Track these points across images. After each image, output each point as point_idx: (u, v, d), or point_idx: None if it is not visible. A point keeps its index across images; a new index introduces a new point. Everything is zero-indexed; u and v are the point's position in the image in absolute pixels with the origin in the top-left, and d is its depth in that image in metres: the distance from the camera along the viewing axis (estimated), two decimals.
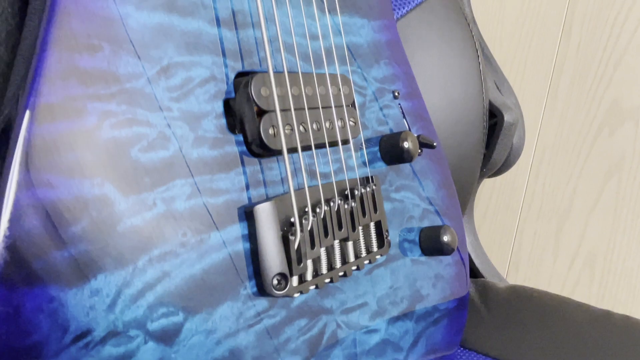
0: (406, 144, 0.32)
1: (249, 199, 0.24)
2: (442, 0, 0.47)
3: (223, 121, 0.24)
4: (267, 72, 0.25)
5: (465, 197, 0.51)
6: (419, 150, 0.36)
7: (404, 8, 0.45)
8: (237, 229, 0.23)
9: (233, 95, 0.24)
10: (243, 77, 0.25)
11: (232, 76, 0.24)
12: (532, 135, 0.93)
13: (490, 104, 0.50)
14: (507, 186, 0.99)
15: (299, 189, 0.26)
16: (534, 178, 0.95)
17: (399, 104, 0.36)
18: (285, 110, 0.25)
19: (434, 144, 0.36)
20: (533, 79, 0.92)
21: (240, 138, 0.24)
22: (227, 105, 0.24)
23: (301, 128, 0.26)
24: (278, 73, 0.26)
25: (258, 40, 0.26)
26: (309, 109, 0.27)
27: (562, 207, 0.92)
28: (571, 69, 0.87)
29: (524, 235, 0.98)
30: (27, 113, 0.17)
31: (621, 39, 0.81)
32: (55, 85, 0.18)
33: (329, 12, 0.30)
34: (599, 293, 0.91)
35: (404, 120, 0.36)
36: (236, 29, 0.25)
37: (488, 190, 1.01)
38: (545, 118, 0.92)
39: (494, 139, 0.50)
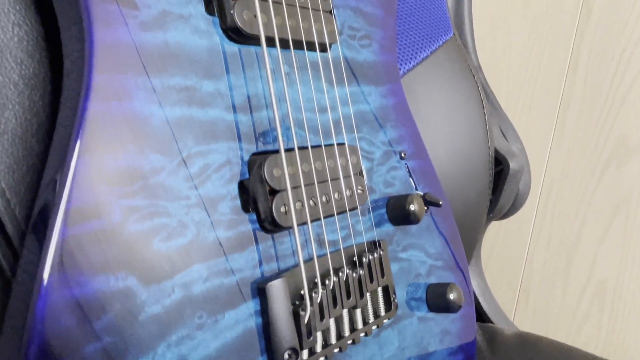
0: (412, 207, 0.34)
1: (262, 273, 0.25)
2: (448, 53, 0.49)
3: (237, 202, 0.25)
4: (279, 152, 0.26)
5: (472, 242, 0.52)
6: (425, 208, 0.37)
7: (410, 62, 0.47)
8: (250, 306, 0.24)
9: (247, 176, 0.26)
10: (257, 157, 0.26)
11: (246, 158, 0.26)
12: (540, 167, 0.94)
13: (496, 151, 0.51)
14: (515, 216, 0.99)
15: (309, 260, 0.27)
16: (542, 209, 0.95)
17: (406, 164, 0.37)
18: (296, 187, 0.27)
19: (440, 202, 0.37)
20: (540, 112, 0.93)
21: (254, 217, 0.26)
22: (241, 185, 0.26)
23: (311, 202, 0.28)
24: (289, 151, 0.27)
25: (271, 120, 0.27)
26: (318, 183, 0.28)
27: (571, 239, 0.92)
28: (578, 103, 0.88)
29: (533, 264, 0.98)
30: (59, 217, 0.19)
31: (627, 75, 0.82)
32: (85, 189, 0.19)
33: (337, 84, 0.32)
34: (609, 325, 0.91)
35: (411, 179, 0.37)
36: (251, 112, 0.26)
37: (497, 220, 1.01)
38: (552, 150, 0.93)
39: (500, 185, 0.51)
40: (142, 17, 0.22)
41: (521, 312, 0.99)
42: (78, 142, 0.19)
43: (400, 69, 0.46)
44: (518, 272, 0.99)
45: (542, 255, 0.96)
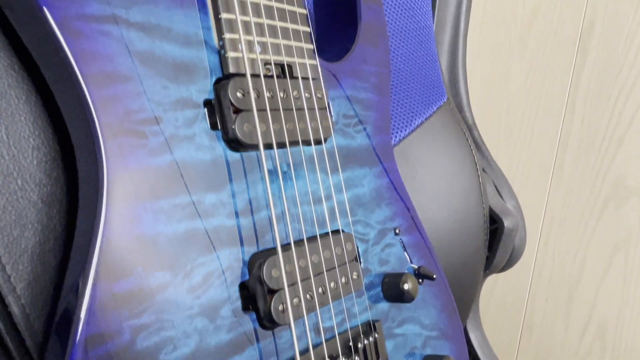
0: (406, 286, 0.35)
1: None
2: (442, 118, 0.51)
3: (239, 304, 0.27)
4: (276, 251, 0.28)
5: (469, 298, 0.54)
6: (420, 281, 0.39)
7: (405, 130, 0.49)
8: None
9: (247, 277, 0.28)
10: (257, 257, 0.28)
11: (247, 258, 0.28)
12: (540, 205, 0.95)
13: (491, 210, 0.53)
14: None
15: (306, 351, 0.29)
16: (543, 246, 0.96)
17: (400, 240, 0.39)
18: (293, 284, 0.29)
19: (434, 276, 0.38)
20: (539, 151, 0.95)
21: (254, 316, 0.27)
22: (242, 285, 0.28)
23: (308, 296, 0.29)
24: (287, 247, 0.29)
25: (270, 219, 0.29)
26: (314, 276, 0.30)
27: (572, 276, 0.93)
28: (576, 144, 0.90)
29: (536, 300, 0.99)
30: (76, 344, 0.21)
31: (623, 117, 0.84)
32: (97, 316, 0.21)
33: (332, 173, 0.34)
34: None
35: (405, 253, 0.39)
36: (252, 214, 0.28)
37: None
38: (552, 188, 0.94)
39: (496, 243, 0.53)
40: (150, 145, 0.25)
41: (524, 348, 1.00)
42: (92, 272, 0.21)
43: (395, 137, 0.48)
44: (521, 308, 0.99)
45: (544, 292, 0.97)
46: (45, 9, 0.22)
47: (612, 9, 0.84)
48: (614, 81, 0.85)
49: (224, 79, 0.28)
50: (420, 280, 0.39)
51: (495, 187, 0.56)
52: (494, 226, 0.53)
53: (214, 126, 0.28)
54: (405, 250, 0.39)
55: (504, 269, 0.56)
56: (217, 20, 0.28)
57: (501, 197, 0.55)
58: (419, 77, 0.51)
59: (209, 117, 0.28)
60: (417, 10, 0.53)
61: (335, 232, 0.33)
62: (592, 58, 0.86)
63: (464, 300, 0.53)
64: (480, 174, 0.52)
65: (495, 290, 1.00)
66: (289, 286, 0.28)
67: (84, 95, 0.23)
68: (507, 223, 0.52)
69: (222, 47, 0.28)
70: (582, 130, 0.89)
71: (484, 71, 1.00)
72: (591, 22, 0.86)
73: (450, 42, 0.58)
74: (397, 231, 0.39)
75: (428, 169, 0.49)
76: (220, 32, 0.28)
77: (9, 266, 0.23)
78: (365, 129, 0.38)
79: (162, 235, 0.24)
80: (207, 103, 0.28)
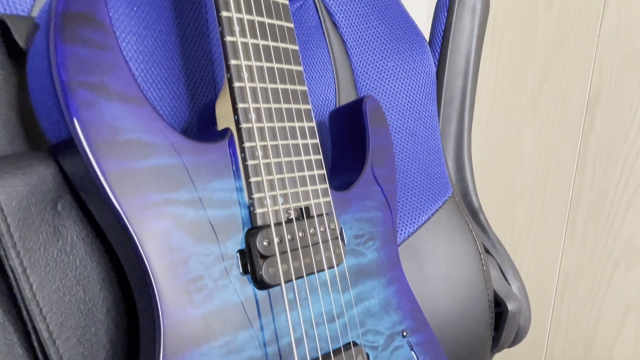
0: None
1: None
2: (447, 212, 0.56)
3: None
4: None
5: None
6: None
7: (412, 226, 0.54)
8: None
9: None
10: None
11: None
12: (555, 260, 0.98)
13: (495, 294, 0.57)
14: (534, 308, 1.03)
15: None
16: (559, 301, 0.99)
17: (408, 341, 0.44)
18: None
19: None
20: (553, 207, 0.99)
21: None
22: None
23: None
24: None
25: (291, 345, 0.35)
26: None
27: (587, 333, 0.95)
28: (587, 204, 0.93)
29: (553, 355, 1.01)
30: None
31: (630, 182, 0.88)
32: None
33: (343, 292, 0.40)
34: None
35: (412, 352, 0.44)
36: (277, 342, 0.34)
37: None
38: (566, 245, 0.97)
39: (501, 325, 0.57)
40: (196, 300, 0.31)
41: None
42: None
43: (405, 233, 0.54)
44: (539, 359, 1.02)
45: (561, 346, 0.99)
46: (117, 204, 0.29)
47: (617, 78, 0.88)
48: (621, 147, 0.88)
49: (253, 229, 0.34)
50: None
51: (500, 269, 0.60)
52: (499, 309, 0.57)
53: (244, 270, 0.34)
54: (412, 349, 0.44)
55: (510, 346, 0.60)
56: (248, 183, 0.34)
57: (506, 279, 0.60)
58: (425, 175, 0.57)
59: (241, 263, 0.34)
60: (423, 112, 0.59)
61: (347, 345, 0.38)
62: (599, 124, 0.91)
63: None
64: (484, 260, 0.57)
65: (512, 350, 1.03)
66: None
67: (145, 266, 0.29)
68: (511, 307, 0.57)
69: (252, 204, 0.34)
70: (592, 191, 0.93)
71: (500, 130, 1.05)
72: (597, 90, 0.91)
73: (455, 132, 0.63)
74: (405, 333, 0.44)
75: (434, 261, 0.54)
76: (250, 192, 0.34)
77: None
78: (374, 244, 0.43)
79: None
80: (239, 251, 0.34)
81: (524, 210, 1.03)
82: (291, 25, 0.39)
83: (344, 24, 0.56)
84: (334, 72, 0.55)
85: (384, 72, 0.57)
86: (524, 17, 0.99)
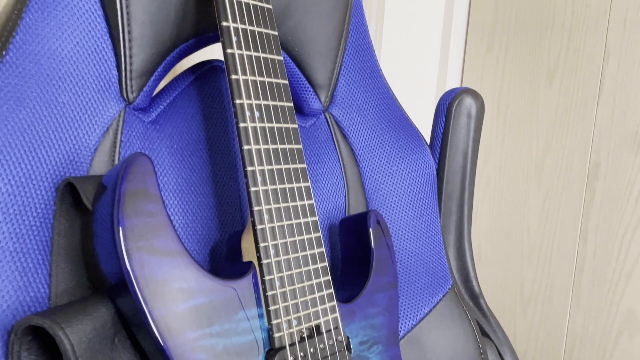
0: None
1: None
2: (447, 304, 0.62)
3: None
4: None
5: None
6: None
7: (414, 319, 0.60)
8: None
9: None
10: None
11: None
12: (562, 324, 1.02)
13: None
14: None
15: None
16: None
17: None
18: None
19: None
20: (559, 272, 1.03)
21: None
22: None
23: None
24: None
25: None
26: None
27: None
28: (591, 272, 0.98)
29: None
30: None
31: (630, 255, 0.92)
32: None
33: None
34: None
35: None
36: None
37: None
38: (572, 308, 1.01)
39: None
40: None
41: None
42: None
43: (408, 325, 0.60)
44: None
45: None
46: (162, 343, 0.36)
47: (614, 156, 0.94)
48: (620, 220, 0.93)
49: (271, 350, 0.41)
50: None
51: (499, 354, 0.65)
52: None
53: None
54: None
55: None
56: (267, 311, 0.41)
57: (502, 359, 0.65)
58: (426, 270, 0.63)
59: None
60: (424, 209, 0.65)
61: None
62: (599, 197, 0.96)
63: None
64: (483, 348, 0.62)
65: None
66: None
67: None
68: None
69: (271, 329, 0.41)
70: (595, 260, 0.97)
71: (507, 196, 1.10)
72: (596, 164, 0.96)
73: (456, 223, 0.70)
74: None
75: (436, 350, 0.60)
76: (269, 319, 0.41)
77: None
78: (378, 348, 0.50)
79: None
80: None
81: (532, 271, 1.08)
82: (300, 146, 0.46)
83: (353, 135, 0.64)
84: (344, 177, 0.63)
85: (389, 175, 0.64)
86: (526, 91, 1.05)
